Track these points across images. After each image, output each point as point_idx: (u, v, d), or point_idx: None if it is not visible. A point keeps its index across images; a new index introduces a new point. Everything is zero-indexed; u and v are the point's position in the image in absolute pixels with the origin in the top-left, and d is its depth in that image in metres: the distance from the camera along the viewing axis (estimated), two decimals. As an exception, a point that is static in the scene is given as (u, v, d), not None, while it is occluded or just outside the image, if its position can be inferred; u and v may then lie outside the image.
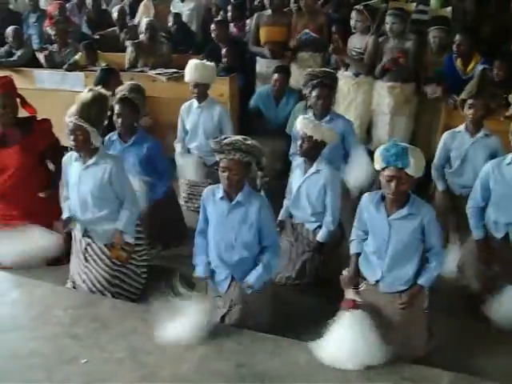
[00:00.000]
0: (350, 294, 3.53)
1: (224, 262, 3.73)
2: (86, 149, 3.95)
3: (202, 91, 5.23)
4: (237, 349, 3.43)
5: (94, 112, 3.86)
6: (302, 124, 4.17)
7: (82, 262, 4.18)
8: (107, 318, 3.72)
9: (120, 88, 4.80)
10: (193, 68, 5.15)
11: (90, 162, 3.99)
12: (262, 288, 3.76)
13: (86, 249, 4.17)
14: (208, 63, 5.22)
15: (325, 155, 4.29)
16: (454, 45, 5.40)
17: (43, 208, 4.58)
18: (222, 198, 3.67)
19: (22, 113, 4.68)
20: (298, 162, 4.37)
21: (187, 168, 5.39)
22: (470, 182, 4.32)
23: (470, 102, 4.33)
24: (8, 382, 3.17)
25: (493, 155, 4.28)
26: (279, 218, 4.48)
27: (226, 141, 3.49)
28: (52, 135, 4.67)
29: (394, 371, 3.29)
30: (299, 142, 4.20)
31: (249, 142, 3.51)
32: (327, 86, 4.61)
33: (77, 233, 4.21)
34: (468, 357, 3.65)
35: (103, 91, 4.03)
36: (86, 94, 3.92)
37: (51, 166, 4.78)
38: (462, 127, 4.50)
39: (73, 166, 4.09)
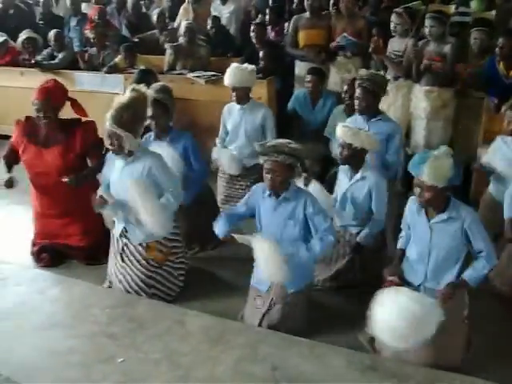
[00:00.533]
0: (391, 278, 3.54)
1: None
2: (123, 151, 3.99)
3: (240, 95, 5.23)
4: (272, 352, 3.41)
5: (127, 117, 3.87)
6: (340, 132, 4.16)
7: (119, 263, 4.23)
8: (144, 319, 3.74)
9: (148, 91, 4.83)
10: (230, 72, 5.18)
11: (130, 159, 4.04)
12: (303, 290, 3.84)
13: (123, 249, 4.21)
14: (246, 66, 5.22)
15: (370, 161, 4.29)
16: (497, 47, 5.29)
17: (83, 207, 4.61)
18: (269, 195, 3.77)
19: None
20: (343, 168, 4.36)
21: (223, 160, 5.39)
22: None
23: (507, 113, 4.33)
24: (45, 379, 3.21)
25: None
26: None
27: (269, 143, 3.61)
28: (94, 137, 4.70)
29: (429, 378, 3.25)
30: (339, 150, 4.21)
31: (292, 145, 3.59)
32: (366, 88, 4.56)
33: (115, 233, 4.26)
34: (507, 367, 3.58)
35: (142, 90, 4.03)
36: (121, 98, 3.95)
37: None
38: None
39: (115, 163, 4.16)
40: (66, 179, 4.41)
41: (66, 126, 4.63)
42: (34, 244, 4.88)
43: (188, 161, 4.76)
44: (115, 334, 3.58)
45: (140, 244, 4.17)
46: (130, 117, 3.88)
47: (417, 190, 3.32)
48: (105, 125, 3.91)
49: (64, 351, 3.42)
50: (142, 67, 6.79)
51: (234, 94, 5.24)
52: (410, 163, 3.34)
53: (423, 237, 3.44)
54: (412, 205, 3.54)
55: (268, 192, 3.76)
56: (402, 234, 3.72)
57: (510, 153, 4.42)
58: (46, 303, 3.95)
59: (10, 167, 4.70)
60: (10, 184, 4.55)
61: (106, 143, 3.99)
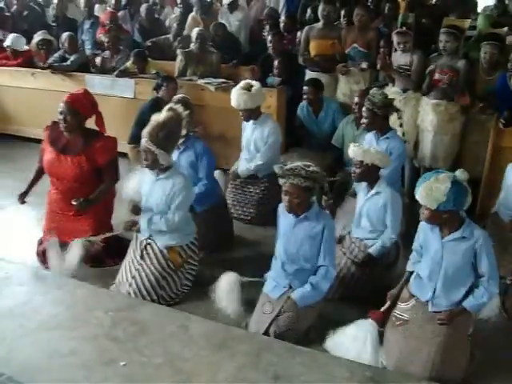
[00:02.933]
0: (385, 306, 3.64)
1: (285, 271, 3.88)
2: (156, 167, 4.17)
3: (246, 115, 5.38)
4: (274, 360, 3.40)
5: (162, 135, 4.05)
6: (352, 151, 4.27)
7: (137, 259, 4.34)
8: (147, 323, 3.74)
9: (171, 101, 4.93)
10: (234, 95, 5.29)
11: (162, 176, 4.21)
12: (314, 306, 3.89)
13: (145, 247, 4.34)
14: (249, 90, 5.27)
15: (384, 177, 4.36)
16: (509, 63, 5.27)
17: (93, 211, 4.65)
18: (289, 212, 3.81)
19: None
20: (362, 185, 4.44)
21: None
22: None
23: None
24: (47, 380, 3.20)
25: None
26: (341, 234, 4.55)
27: (287, 166, 3.67)
28: (113, 154, 4.74)
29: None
30: (353, 169, 4.30)
31: (310, 169, 3.65)
32: (371, 110, 4.75)
33: (140, 235, 4.38)
34: (508, 379, 3.58)
35: (178, 110, 4.20)
36: (159, 116, 4.11)
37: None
38: None
39: (147, 177, 4.31)
40: (74, 202, 4.50)
41: (87, 136, 4.65)
42: (40, 243, 4.88)
43: (196, 169, 4.86)
44: (118, 338, 3.58)
45: (165, 247, 4.31)
46: (164, 135, 4.07)
47: (422, 208, 3.36)
48: (142, 142, 4.08)
49: (66, 353, 3.41)
50: (153, 72, 6.85)
51: (241, 113, 5.36)
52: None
53: (435, 254, 3.44)
54: (424, 223, 3.54)
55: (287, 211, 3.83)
56: (413, 254, 3.74)
57: None
58: (49, 304, 3.94)
59: (39, 174, 4.86)
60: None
61: (142, 158, 4.16)
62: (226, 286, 3.98)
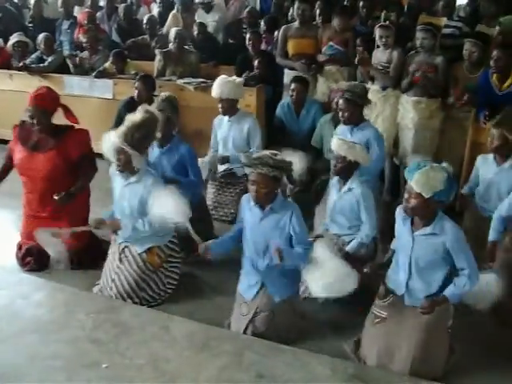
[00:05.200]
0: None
1: (255, 267, 3.82)
2: (129, 169, 4.12)
3: (226, 107, 5.30)
4: (257, 360, 3.41)
5: (138, 137, 4.01)
6: (336, 145, 4.22)
7: (116, 263, 4.30)
8: (128, 324, 3.73)
9: (156, 100, 4.93)
10: (218, 84, 5.25)
11: (132, 180, 4.16)
12: (289, 299, 3.85)
13: (123, 250, 4.30)
14: (234, 79, 5.26)
15: (357, 174, 4.32)
16: (491, 60, 5.32)
17: (70, 212, 4.62)
18: (255, 205, 3.77)
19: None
20: (334, 179, 4.43)
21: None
22: (494, 209, 4.30)
23: (491, 130, 4.36)
24: (28, 383, 3.19)
25: None
26: (316, 232, 4.55)
27: (254, 155, 3.62)
28: (87, 146, 4.72)
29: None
30: (333, 162, 4.27)
31: (277, 157, 3.60)
32: (349, 100, 4.70)
33: (117, 237, 4.34)
34: (487, 375, 3.60)
35: (155, 113, 4.19)
36: (134, 117, 4.07)
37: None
38: (492, 154, 4.49)
39: (116, 180, 4.28)
40: (56, 197, 4.44)
41: (58, 131, 4.63)
42: (19, 247, 4.85)
43: (183, 170, 4.81)
44: (100, 340, 3.56)
45: (143, 251, 4.28)
46: (140, 136, 4.03)
47: (405, 196, 3.33)
48: (113, 140, 4.01)
49: (47, 356, 3.39)
50: (132, 72, 6.81)
51: (220, 105, 5.29)
52: (407, 167, 3.34)
53: (405, 246, 3.45)
54: (399, 213, 3.55)
55: (253, 203, 3.76)
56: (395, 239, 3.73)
57: (489, 172, 4.47)
58: (30, 308, 3.92)
59: (6, 172, 4.77)
60: None
61: (114, 158, 4.08)
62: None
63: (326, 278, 3.55)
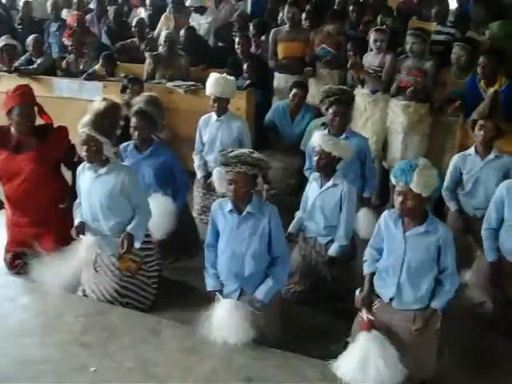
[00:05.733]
0: (365, 314, 3.49)
1: (234, 274, 3.74)
2: (98, 159, 3.97)
3: (221, 105, 5.20)
4: (246, 363, 3.41)
5: (106, 123, 3.89)
6: (320, 140, 4.17)
7: (92, 272, 4.18)
8: (117, 328, 3.72)
9: (137, 100, 4.79)
10: (214, 82, 5.13)
11: (102, 171, 4.01)
12: (271, 302, 3.77)
13: (96, 259, 4.15)
14: (229, 78, 5.22)
15: (340, 170, 4.30)
16: (478, 66, 5.35)
17: (56, 217, 4.60)
18: (231, 211, 3.70)
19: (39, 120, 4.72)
20: (315, 175, 4.38)
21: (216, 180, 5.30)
22: (482, 204, 4.38)
23: (480, 122, 4.36)
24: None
25: (506, 176, 4.29)
26: (290, 230, 4.45)
27: (232, 154, 3.54)
28: (67, 142, 4.70)
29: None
30: (316, 158, 4.20)
31: (255, 155, 3.56)
32: (343, 103, 4.64)
33: (86, 241, 4.17)
34: (476, 378, 3.63)
35: (116, 100, 4.07)
36: (99, 104, 3.94)
37: (68, 175, 4.78)
38: (471, 150, 4.54)
39: (85, 175, 4.11)
40: (62, 206, 4.48)
41: (38, 131, 4.59)
42: (7, 251, 4.82)
43: (165, 176, 4.75)
44: (88, 343, 3.55)
45: (112, 254, 4.12)
46: (108, 123, 3.90)
47: (399, 199, 3.30)
48: (79, 131, 3.89)
49: (36, 360, 3.38)
50: (122, 75, 6.80)
51: (216, 104, 5.19)
52: (394, 171, 3.32)
53: (397, 248, 3.44)
54: (387, 217, 3.54)
55: (229, 208, 3.69)
56: (367, 256, 3.67)
57: (474, 168, 4.50)
58: (18, 311, 3.90)
59: None
60: None
61: (82, 149, 3.94)
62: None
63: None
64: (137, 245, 4.06)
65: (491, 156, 4.41)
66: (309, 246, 4.40)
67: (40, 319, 3.83)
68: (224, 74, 5.31)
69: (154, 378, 3.28)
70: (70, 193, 4.54)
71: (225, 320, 3.56)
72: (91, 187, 4.05)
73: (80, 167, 4.17)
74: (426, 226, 3.36)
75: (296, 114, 6.15)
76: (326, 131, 4.66)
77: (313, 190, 4.36)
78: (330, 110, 4.66)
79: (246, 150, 3.60)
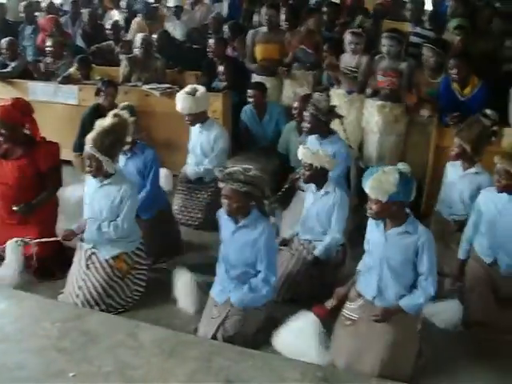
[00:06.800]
0: (329, 303, 3.68)
1: (229, 274, 3.88)
2: (101, 174, 4.11)
3: (190, 120, 5.35)
4: (226, 365, 3.40)
5: (108, 142, 4.00)
6: (301, 153, 4.33)
7: (83, 269, 4.26)
8: (95, 332, 3.69)
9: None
10: (179, 99, 5.28)
11: (106, 182, 4.15)
12: (261, 305, 3.89)
13: (90, 256, 4.26)
14: (193, 94, 5.26)
15: (333, 178, 4.45)
16: (449, 69, 5.41)
17: (39, 220, 4.58)
18: (229, 219, 3.84)
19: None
20: (310, 185, 4.49)
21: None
22: (457, 212, 4.54)
23: (455, 140, 4.47)
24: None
25: (479, 189, 4.33)
26: (284, 236, 4.59)
27: (227, 170, 3.66)
28: (56, 159, 4.68)
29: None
30: (302, 171, 4.37)
31: (250, 173, 3.65)
32: (312, 113, 4.81)
33: (82, 244, 4.30)
34: (456, 377, 3.66)
35: (124, 116, 4.16)
36: (104, 122, 4.05)
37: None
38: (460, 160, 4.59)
39: (90, 183, 4.24)
40: (15, 208, 4.43)
41: (28, 142, 4.56)
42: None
43: (144, 176, 4.82)
44: (66, 348, 3.52)
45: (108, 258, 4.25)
46: (110, 142, 4.02)
47: (368, 203, 3.40)
48: (86, 146, 4.02)
49: (13, 366, 3.33)
50: (97, 78, 6.76)
51: (186, 118, 5.34)
52: (364, 178, 3.40)
53: (377, 247, 3.50)
54: (371, 219, 3.58)
55: (227, 216, 3.82)
56: (360, 266, 3.77)
57: (455, 176, 4.58)
58: (-5, 317, 3.86)
59: None
60: None
61: (85, 165, 4.08)
62: (183, 286, 4.06)
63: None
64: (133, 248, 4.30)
65: (471, 170, 4.50)
66: (302, 246, 4.46)
67: (17, 325, 3.77)
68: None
69: (134, 381, 3.26)
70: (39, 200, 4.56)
71: None
72: (94, 195, 4.20)
73: (87, 177, 4.28)
74: (406, 227, 3.41)
75: (263, 114, 6.19)
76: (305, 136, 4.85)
77: (308, 198, 4.51)
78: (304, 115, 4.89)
79: (240, 168, 3.68)
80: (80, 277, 4.26)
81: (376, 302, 3.53)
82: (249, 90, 6.15)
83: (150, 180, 4.83)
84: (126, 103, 5.03)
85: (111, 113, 4.20)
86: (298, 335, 3.62)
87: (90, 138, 4.01)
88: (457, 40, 6.31)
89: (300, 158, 4.35)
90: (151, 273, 4.54)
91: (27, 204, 4.46)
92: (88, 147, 4.00)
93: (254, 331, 3.88)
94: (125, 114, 4.21)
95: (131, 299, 4.34)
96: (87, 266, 4.26)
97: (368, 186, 3.30)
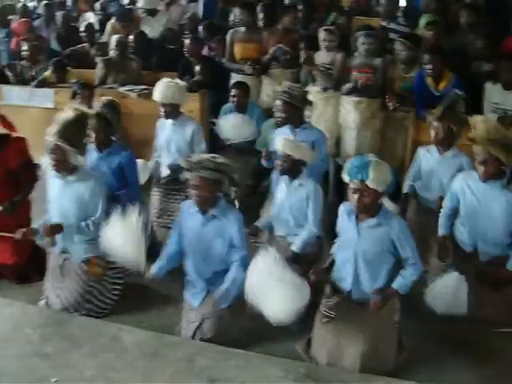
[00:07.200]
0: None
1: (200, 274, 3.82)
2: (66, 168, 4.02)
3: (168, 111, 5.15)
4: (208, 364, 3.41)
5: (73, 132, 3.94)
6: (281, 144, 4.24)
7: (58, 277, 4.21)
8: (77, 337, 3.68)
9: (96, 104, 4.85)
10: (159, 87, 5.12)
11: (71, 179, 4.07)
12: (235, 303, 3.81)
13: (62, 263, 4.20)
14: (177, 82, 5.20)
15: (307, 170, 4.37)
16: (423, 64, 5.45)
17: (13, 225, 4.48)
18: (196, 212, 3.76)
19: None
20: (282, 177, 4.42)
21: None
22: (435, 198, 4.50)
23: (433, 123, 4.48)
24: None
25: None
26: (256, 224, 4.49)
27: (194, 159, 3.61)
28: (26, 154, 4.63)
29: (363, 383, 3.33)
30: (279, 162, 4.27)
31: (217, 160, 3.61)
32: (286, 101, 4.74)
33: (55, 249, 4.24)
34: (438, 369, 3.68)
35: (85, 110, 4.12)
36: (66, 114, 3.98)
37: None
38: (433, 145, 4.61)
39: (54, 181, 4.15)
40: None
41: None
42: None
43: (119, 177, 4.74)
44: (48, 354, 3.51)
45: (81, 261, 4.19)
46: (73, 132, 3.95)
47: (355, 196, 3.36)
48: (46, 140, 3.94)
49: (-6, 373, 3.32)
50: (73, 81, 6.71)
51: (163, 109, 5.16)
52: (348, 169, 3.37)
53: (350, 240, 3.52)
54: (343, 210, 3.60)
55: (195, 209, 3.75)
56: (337, 240, 3.79)
57: (431, 162, 4.61)
58: (-25, 324, 3.83)
59: None
60: None
61: (49, 158, 3.99)
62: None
63: (278, 302, 3.46)
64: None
65: (449, 154, 4.52)
66: (277, 244, 4.42)
67: (-3, 331, 3.77)
68: (176, 77, 5.29)
69: (117, 384, 3.26)
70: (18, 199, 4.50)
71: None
72: (60, 194, 4.10)
73: (50, 175, 4.18)
74: (378, 218, 3.43)
75: (243, 113, 6.17)
76: (281, 129, 4.76)
77: (281, 190, 4.42)
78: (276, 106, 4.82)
79: (207, 156, 3.66)
80: (57, 286, 4.21)
81: (353, 295, 3.54)
82: (232, 90, 6.13)
83: (131, 183, 4.80)
84: (108, 98, 5.02)
85: (70, 106, 4.14)
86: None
87: (53, 130, 3.93)
88: (429, 35, 6.35)
89: (278, 149, 4.26)
90: (128, 277, 4.52)
91: (10, 203, 4.40)
92: (51, 139, 3.91)
93: (233, 331, 3.84)
94: (84, 107, 4.15)
95: (110, 300, 4.30)
96: (62, 274, 4.21)
97: (370, 176, 3.25)
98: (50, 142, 3.92)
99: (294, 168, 4.26)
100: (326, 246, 4.39)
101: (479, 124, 3.89)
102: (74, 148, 3.95)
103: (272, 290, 3.44)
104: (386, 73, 5.86)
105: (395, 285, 3.49)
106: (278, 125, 4.91)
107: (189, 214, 3.82)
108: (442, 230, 4.22)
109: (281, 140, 4.28)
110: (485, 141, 3.80)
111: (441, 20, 6.64)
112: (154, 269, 3.84)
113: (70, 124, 3.94)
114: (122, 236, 3.77)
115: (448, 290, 3.89)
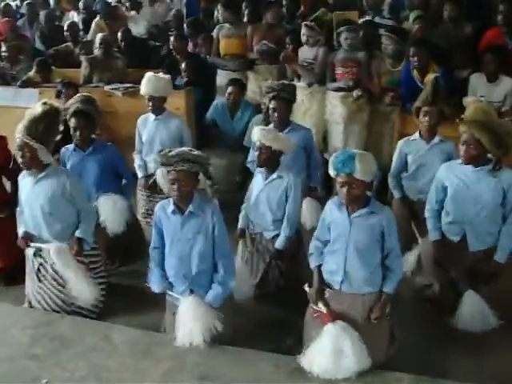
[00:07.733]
0: (322, 307, 3.52)
1: (182, 275, 3.70)
2: (35, 165, 3.92)
3: (156, 104, 5.13)
4: (200, 361, 3.41)
5: (41, 128, 3.83)
6: (259, 134, 4.15)
7: (36, 283, 4.10)
8: (67, 337, 3.67)
9: (71, 101, 4.72)
10: (147, 80, 5.08)
11: (41, 176, 3.96)
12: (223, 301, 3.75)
13: (38, 269, 4.08)
14: (163, 76, 5.17)
15: (285, 163, 4.30)
16: (410, 57, 5.47)
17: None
18: (173, 212, 3.66)
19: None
20: (259, 169, 4.34)
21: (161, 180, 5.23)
22: (426, 187, 4.41)
23: (424, 109, 4.45)
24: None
25: (448, 160, 4.35)
26: (239, 226, 4.47)
27: (172, 153, 3.51)
28: (7, 152, 4.60)
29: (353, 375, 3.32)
30: (257, 153, 4.18)
31: (194, 152, 3.56)
32: (284, 98, 4.65)
33: (29, 252, 4.11)
34: (429, 361, 3.70)
35: (55, 104, 4.00)
36: (34, 110, 3.88)
37: (8, 185, 4.71)
38: (416, 135, 4.60)
39: (25, 181, 4.05)
40: (2, 215, 4.38)
41: None
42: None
43: (110, 172, 4.74)
44: (38, 355, 3.49)
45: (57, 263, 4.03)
46: (43, 129, 3.83)
47: (343, 190, 3.34)
48: (15, 137, 3.85)
49: (-17, 376, 3.31)
50: (58, 80, 6.67)
51: (150, 103, 5.12)
52: (333, 163, 3.35)
53: (342, 231, 3.49)
54: (332, 204, 3.59)
55: (171, 209, 3.66)
56: (312, 250, 3.69)
57: (419, 152, 4.58)
58: (-37, 327, 3.80)
59: None
60: None
61: (17, 156, 3.91)
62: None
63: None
64: (87, 247, 4.06)
65: (436, 140, 4.51)
66: (256, 241, 4.40)
67: (-14, 334, 3.74)
68: (161, 73, 5.26)
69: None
70: (11, 201, 4.44)
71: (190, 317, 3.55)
72: (31, 193, 3.99)
73: (20, 175, 4.10)
74: (370, 208, 3.43)
75: (235, 111, 6.17)
76: (271, 126, 4.67)
77: (257, 182, 4.34)
78: (271, 106, 4.68)
79: (185, 148, 3.58)
80: (36, 291, 4.10)
81: (343, 288, 3.53)
82: (228, 87, 6.14)
83: (127, 174, 4.85)
84: (84, 94, 4.95)
85: (41, 101, 4.03)
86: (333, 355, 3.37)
87: (21, 126, 3.83)
88: (415, 28, 6.38)
89: (257, 140, 4.15)
90: (117, 277, 4.50)
91: (8, 203, 4.40)
92: (20, 136, 3.81)
93: (223, 328, 3.65)
94: (54, 102, 4.06)
95: (98, 301, 4.18)
96: (39, 279, 4.08)
97: (357, 168, 3.24)
98: (18, 139, 3.82)
99: (272, 160, 4.17)
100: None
101: (470, 104, 3.90)
102: (43, 145, 3.84)
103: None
104: (369, 66, 5.86)
105: (386, 289, 3.49)
106: (278, 125, 4.70)
107: (166, 216, 3.71)
108: (434, 235, 4.18)
109: (258, 131, 4.19)
110: (470, 121, 3.80)
111: (425, 14, 6.69)
112: (156, 288, 3.75)
113: (37, 120, 3.82)
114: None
115: (473, 310, 3.91)
